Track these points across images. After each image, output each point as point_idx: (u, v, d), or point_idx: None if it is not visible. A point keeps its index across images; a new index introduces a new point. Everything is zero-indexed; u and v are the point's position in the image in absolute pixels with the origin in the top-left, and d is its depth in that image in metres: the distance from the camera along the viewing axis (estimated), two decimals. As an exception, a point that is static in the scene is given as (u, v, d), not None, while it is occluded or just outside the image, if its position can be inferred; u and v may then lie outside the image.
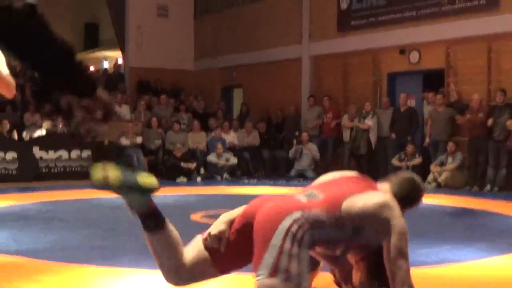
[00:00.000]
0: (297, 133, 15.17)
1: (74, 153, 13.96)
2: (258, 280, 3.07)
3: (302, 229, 3.11)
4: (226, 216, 3.54)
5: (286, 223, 3.11)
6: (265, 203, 3.32)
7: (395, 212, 3.30)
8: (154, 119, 15.05)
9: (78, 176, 13.76)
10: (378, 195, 3.35)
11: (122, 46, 19.12)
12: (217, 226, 3.45)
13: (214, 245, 3.37)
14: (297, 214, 3.14)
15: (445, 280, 4.94)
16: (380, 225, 3.27)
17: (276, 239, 3.07)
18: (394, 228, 3.27)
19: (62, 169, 13.81)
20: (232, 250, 3.36)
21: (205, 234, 3.47)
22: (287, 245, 3.06)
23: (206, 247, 3.40)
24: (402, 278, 3.23)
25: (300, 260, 3.06)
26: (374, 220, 3.26)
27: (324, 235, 3.20)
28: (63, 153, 13.85)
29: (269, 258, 3.06)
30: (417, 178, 3.75)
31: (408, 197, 3.62)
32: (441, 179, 12.72)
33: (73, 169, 13.95)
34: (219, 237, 3.38)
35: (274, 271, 3.03)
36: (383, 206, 3.29)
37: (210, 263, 3.37)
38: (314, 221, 3.16)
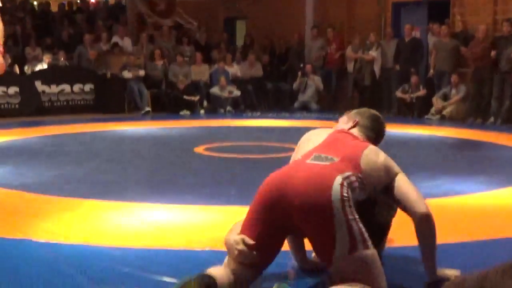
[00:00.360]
0: (302, 65, 15.07)
1: (77, 87, 13.89)
2: (339, 258, 2.92)
3: (349, 192, 2.99)
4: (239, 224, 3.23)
5: (336, 194, 2.93)
6: (288, 186, 3.03)
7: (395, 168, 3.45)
8: (157, 51, 14.92)
9: (81, 109, 13.75)
10: (380, 154, 3.36)
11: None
12: (240, 239, 3.06)
13: (251, 258, 3.06)
14: (339, 179, 2.98)
15: (447, 213, 4.96)
16: (385, 179, 3.36)
17: (338, 214, 2.90)
18: (398, 176, 3.42)
19: (65, 103, 13.76)
20: (264, 247, 3.09)
21: (235, 252, 3.07)
22: (349, 215, 2.92)
23: (243, 263, 3.08)
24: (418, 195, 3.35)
25: (359, 220, 2.99)
26: (383, 176, 3.33)
27: (356, 196, 3.12)
28: (66, 87, 13.78)
29: (342, 235, 2.90)
30: (379, 114, 3.75)
31: (379, 137, 3.69)
32: (445, 111, 12.68)
33: (76, 102, 13.90)
34: (250, 247, 3.05)
35: (353, 246, 2.91)
36: (388, 165, 3.38)
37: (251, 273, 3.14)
38: (351, 182, 3.06)
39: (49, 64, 14.10)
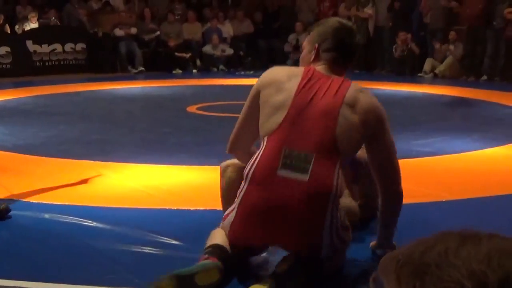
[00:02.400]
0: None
1: (68, 46, 13.77)
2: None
3: (337, 215, 2.81)
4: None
5: (326, 234, 2.78)
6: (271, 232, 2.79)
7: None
8: (147, 10, 14.76)
9: (73, 69, 13.65)
10: (358, 105, 2.89)
11: None
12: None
13: None
14: (328, 219, 2.77)
15: (441, 171, 4.99)
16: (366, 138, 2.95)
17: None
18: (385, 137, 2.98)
19: (56, 63, 13.66)
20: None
21: None
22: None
23: None
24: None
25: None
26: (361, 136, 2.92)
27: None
28: (57, 46, 13.66)
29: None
30: (342, 23, 3.13)
31: (347, 56, 3.08)
32: (438, 69, 12.65)
33: (67, 62, 13.79)
34: None
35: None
36: (370, 122, 2.92)
37: None
38: (337, 205, 2.81)
39: (40, 23, 13.96)
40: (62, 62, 13.70)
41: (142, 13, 14.82)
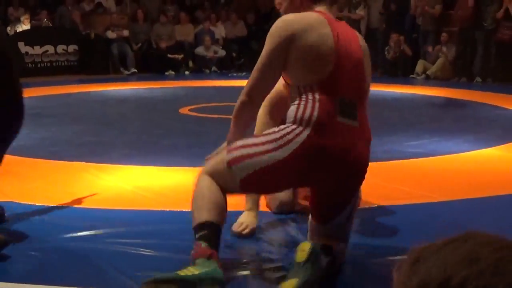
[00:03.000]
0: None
1: (60, 48, 13.75)
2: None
3: None
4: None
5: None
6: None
7: None
8: (139, 12, 14.75)
9: (65, 70, 13.63)
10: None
11: None
12: None
13: None
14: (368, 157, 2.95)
15: (433, 172, 5.00)
16: None
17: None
18: None
19: (48, 64, 13.64)
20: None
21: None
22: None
23: None
24: None
25: None
26: None
27: None
28: (49, 48, 13.64)
29: (353, 204, 2.97)
30: None
31: None
32: (430, 71, 12.69)
33: (60, 63, 13.78)
34: None
35: (352, 217, 3.04)
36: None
37: None
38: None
39: (32, 25, 13.93)
40: (54, 64, 13.68)
41: (135, 14, 14.81)
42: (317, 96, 2.78)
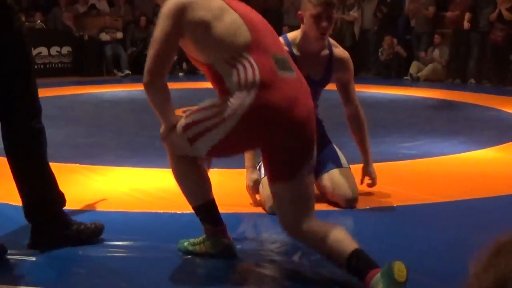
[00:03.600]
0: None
1: (54, 50, 13.74)
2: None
3: None
4: None
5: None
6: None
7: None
8: (143, 18, 14.73)
9: (59, 72, 13.61)
10: None
11: None
12: None
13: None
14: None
15: (427, 174, 5.01)
16: None
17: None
18: None
19: (42, 66, 13.62)
20: None
21: None
22: None
23: None
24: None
25: None
26: None
27: None
28: (43, 50, 13.62)
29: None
30: None
31: None
32: (421, 74, 12.72)
33: (53, 65, 13.76)
34: None
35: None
36: None
37: None
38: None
39: (26, 27, 13.89)
40: (47, 66, 13.65)
41: (137, 19, 14.78)
42: (251, 59, 2.81)
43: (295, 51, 3.94)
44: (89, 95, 10.65)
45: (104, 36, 13.90)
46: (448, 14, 12.64)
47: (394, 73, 13.18)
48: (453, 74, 12.54)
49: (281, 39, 3.60)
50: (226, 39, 2.83)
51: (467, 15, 12.03)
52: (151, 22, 14.87)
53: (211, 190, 3.09)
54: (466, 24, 12.01)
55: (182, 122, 2.98)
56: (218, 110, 2.84)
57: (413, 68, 12.94)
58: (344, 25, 14.13)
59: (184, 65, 14.59)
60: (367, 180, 4.18)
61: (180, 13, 2.85)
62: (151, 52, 2.98)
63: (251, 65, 2.80)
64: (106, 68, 13.95)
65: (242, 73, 2.80)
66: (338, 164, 4.13)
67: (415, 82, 12.63)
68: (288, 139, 2.81)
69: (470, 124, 7.70)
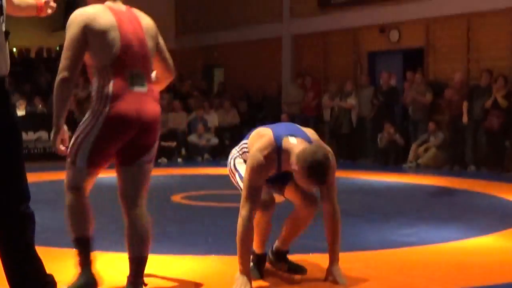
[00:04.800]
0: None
1: (54, 134, 13.81)
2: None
3: None
4: None
5: None
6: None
7: None
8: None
9: (58, 157, 13.62)
10: None
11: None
12: None
13: None
14: None
15: (424, 261, 4.97)
16: None
17: None
18: None
19: (42, 150, 13.67)
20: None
21: None
22: None
23: None
24: None
25: None
26: None
27: None
28: (43, 134, 13.71)
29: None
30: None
31: None
32: (421, 160, 12.78)
33: (53, 150, 13.77)
34: None
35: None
36: None
37: None
38: None
39: (27, 111, 14.04)
40: (47, 150, 13.70)
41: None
42: (110, 74, 3.58)
43: (282, 159, 3.97)
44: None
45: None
46: (444, 98, 12.80)
47: (392, 160, 13.25)
48: (451, 161, 12.60)
49: (273, 142, 3.94)
50: (102, 52, 3.57)
51: (464, 104, 12.19)
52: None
53: (91, 230, 3.96)
54: (464, 118, 12.16)
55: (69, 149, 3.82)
56: (87, 122, 3.72)
57: (411, 155, 13.01)
58: (342, 112, 14.29)
59: (183, 151, 14.68)
60: (330, 279, 4.13)
61: (83, 23, 3.55)
62: (65, 55, 3.59)
63: (109, 80, 3.59)
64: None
65: (100, 87, 3.62)
66: None
67: (414, 168, 12.68)
68: (137, 138, 3.65)
69: (469, 211, 7.69)
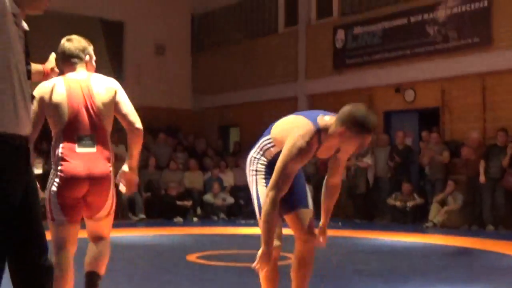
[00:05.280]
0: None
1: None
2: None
3: None
4: None
5: None
6: None
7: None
8: (152, 160, 14.97)
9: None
10: None
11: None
12: None
13: None
14: None
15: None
16: None
17: None
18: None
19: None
20: None
21: None
22: None
23: None
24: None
25: None
26: None
27: None
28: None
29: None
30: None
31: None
32: (439, 220, 12.66)
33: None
34: None
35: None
36: None
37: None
38: None
39: (44, 169, 14.09)
40: None
41: (146, 160, 15.03)
42: (62, 138, 4.10)
43: (322, 138, 4.00)
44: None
45: (122, 187, 14.08)
46: (461, 157, 12.76)
47: (410, 219, 13.14)
48: (469, 220, 12.47)
49: (312, 129, 3.94)
50: (57, 120, 4.10)
51: (481, 163, 12.13)
52: (161, 166, 15.08)
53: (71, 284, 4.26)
54: (482, 178, 12.09)
55: None
56: (49, 181, 4.18)
57: (430, 215, 12.89)
58: (358, 172, 14.25)
59: (199, 211, 14.65)
60: (320, 239, 4.41)
61: (39, 96, 4.11)
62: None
63: (60, 144, 4.10)
64: (121, 212, 14.02)
65: (54, 150, 4.14)
66: (304, 203, 4.36)
67: (432, 228, 12.55)
68: (89, 193, 4.10)
69: (488, 271, 7.57)
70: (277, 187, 3.90)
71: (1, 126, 2.82)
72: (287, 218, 4.33)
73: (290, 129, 4.04)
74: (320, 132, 3.96)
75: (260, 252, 3.94)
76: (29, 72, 3.11)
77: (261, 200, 4.12)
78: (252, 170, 4.34)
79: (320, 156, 4.20)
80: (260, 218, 3.98)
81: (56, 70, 4.22)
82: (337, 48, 15.79)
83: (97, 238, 4.46)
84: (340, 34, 15.72)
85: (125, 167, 4.35)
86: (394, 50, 14.55)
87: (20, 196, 3.03)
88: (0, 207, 2.91)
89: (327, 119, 4.01)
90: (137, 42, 18.69)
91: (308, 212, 4.35)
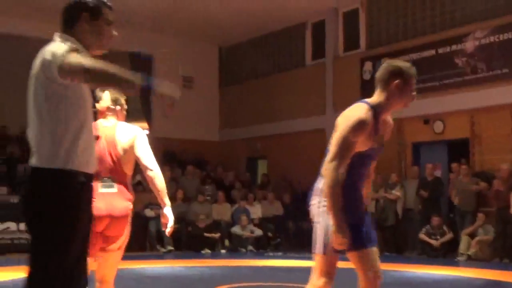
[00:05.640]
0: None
1: (23, 225, 13.51)
2: None
3: None
4: None
5: None
6: None
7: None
8: (179, 191, 15.02)
9: (27, 248, 13.34)
10: None
11: (148, 117, 19.26)
12: None
13: None
14: None
15: None
16: None
17: None
18: None
19: (9, 241, 13.21)
20: None
21: None
22: None
23: None
24: None
25: None
26: None
27: None
28: (11, 225, 13.29)
29: None
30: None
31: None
32: (470, 252, 12.50)
33: (21, 241, 13.11)
34: None
35: None
36: None
37: None
38: None
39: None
40: (15, 241, 13.28)
41: (173, 193, 15.07)
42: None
43: (377, 113, 4.03)
44: (130, 270, 10.63)
45: (149, 212, 14.12)
46: (491, 189, 12.62)
47: (440, 252, 12.98)
48: (500, 253, 12.29)
49: (365, 106, 4.04)
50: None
51: (512, 195, 12.00)
52: (194, 199, 15.11)
53: None
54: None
55: None
56: None
57: (461, 247, 12.74)
58: (387, 204, 14.14)
59: (227, 243, 14.62)
60: None
61: None
62: None
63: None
64: (149, 244, 14.04)
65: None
66: (376, 242, 4.09)
67: (463, 262, 12.38)
68: (107, 228, 4.47)
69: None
70: (337, 158, 3.87)
71: (85, 167, 3.29)
72: (355, 254, 3.98)
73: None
74: (373, 108, 3.98)
75: (333, 230, 3.83)
76: (95, 113, 3.36)
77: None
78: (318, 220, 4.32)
79: (383, 134, 4.10)
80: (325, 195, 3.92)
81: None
82: (364, 80, 15.79)
83: (102, 281, 4.72)
84: (368, 65, 15.74)
85: (162, 211, 4.85)
86: (422, 81, 14.49)
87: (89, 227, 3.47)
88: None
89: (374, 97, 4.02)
90: (165, 75, 18.86)
91: (377, 252, 4.05)
